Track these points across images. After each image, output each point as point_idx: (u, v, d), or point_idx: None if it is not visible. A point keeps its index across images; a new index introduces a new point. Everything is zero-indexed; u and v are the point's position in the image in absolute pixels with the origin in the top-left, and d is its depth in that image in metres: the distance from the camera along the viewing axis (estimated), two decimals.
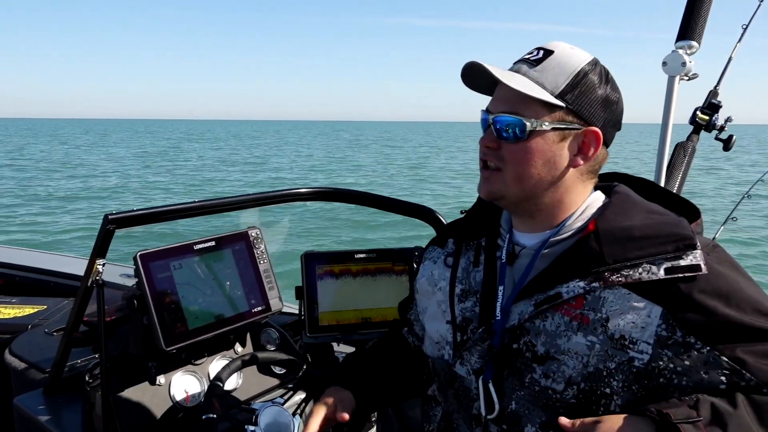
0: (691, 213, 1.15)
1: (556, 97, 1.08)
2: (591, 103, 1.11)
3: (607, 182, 1.27)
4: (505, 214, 1.28)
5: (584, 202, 1.17)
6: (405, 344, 1.50)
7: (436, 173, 28.45)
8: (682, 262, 1.02)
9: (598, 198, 1.19)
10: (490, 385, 1.14)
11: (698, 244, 1.04)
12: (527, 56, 1.14)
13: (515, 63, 1.15)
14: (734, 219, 2.93)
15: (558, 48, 1.12)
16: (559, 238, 1.15)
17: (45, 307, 2.91)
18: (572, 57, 1.11)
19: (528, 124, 1.08)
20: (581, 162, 1.14)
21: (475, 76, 1.15)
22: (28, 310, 2.89)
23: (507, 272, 1.19)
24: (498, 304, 1.16)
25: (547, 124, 1.09)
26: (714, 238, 2.73)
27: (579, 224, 1.15)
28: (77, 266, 3.55)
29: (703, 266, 1.02)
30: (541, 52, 1.13)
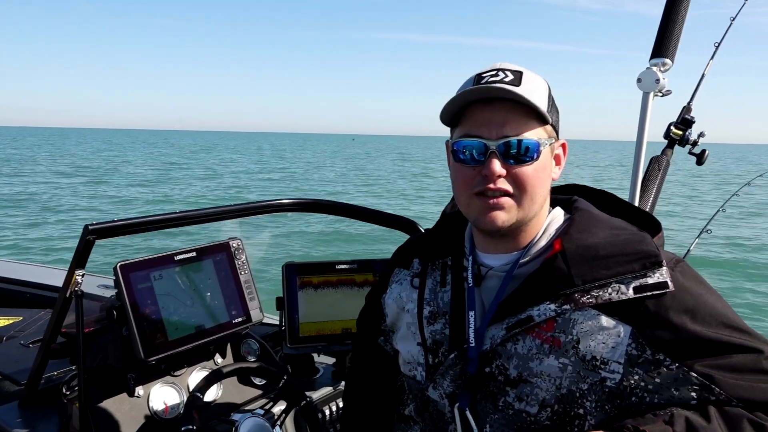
0: (652, 226, 1.15)
1: (547, 113, 1.10)
2: (558, 117, 1.15)
3: (564, 194, 1.28)
4: (467, 233, 1.26)
5: (547, 218, 1.18)
6: (382, 354, 1.45)
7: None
8: (650, 280, 1.03)
9: (559, 214, 1.20)
10: (468, 414, 1.14)
11: (663, 260, 1.05)
12: (497, 77, 1.09)
13: (483, 83, 1.09)
14: (708, 231, 3.00)
15: (519, 68, 1.12)
16: (525, 259, 1.15)
17: (21, 318, 2.87)
18: (537, 76, 1.14)
19: (540, 143, 1.08)
20: (558, 173, 1.18)
21: (452, 105, 1.12)
22: (3, 321, 2.85)
23: (475, 295, 1.17)
24: (470, 329, 1.14)
25: (545, 140, 1.10)
26: (689, 251, 2.79)
27: (543, 243, 1.15)
28: (54, 277, 3.51)
29: (669, 283, 1.02)
30: (509, 73, 1.10)
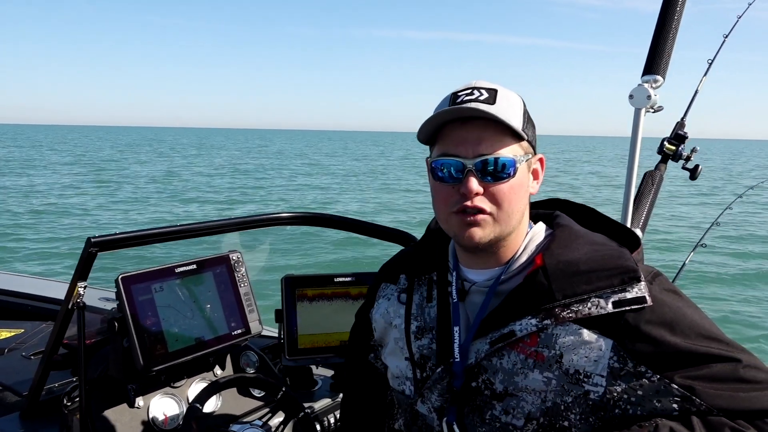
0: (632, 241, 1.18)
1: (522, 131, 1.12)
2: (534, 132, 1.18)
3: (545, 209, 1.30)
4: (450, 249, 1.28)
5: (528, 234, 1.20)
6: (374, 371, 1.48)
7: None
8: (628, 295, 1.06)
9: (540, 230, 1.22)
10: (455, 427, 1.16)
11: (641, 275, 1.07)
12: (471, 96, 1.11)
13: (460, 103, 1.11)
14: (703, 245, 3.02)
15: (494, 86, 1.13)
16: (507, 274, 1.17)
17: (22, 330, 2.89)
18: (512, 93, 1.16)
19: (516, 160, 1.10)
20: (536, 188, 1.20)
21: (429, 125, 1.14)
22: (4, 333, 2.87)
23: (460, 310, 1.20)
24: (455, 344, 1.17)
25: (521, 156, 1.13)
26: (684, 263, 2.81)
27: (525, 258, 1.18)
28: (55, 290, 3.53)
29: (647, 298, 1.05)
30: (484, 91, 1.12)
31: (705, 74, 2.61)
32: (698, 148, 2.32)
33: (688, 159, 2.35)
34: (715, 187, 29.00)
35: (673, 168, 2.42)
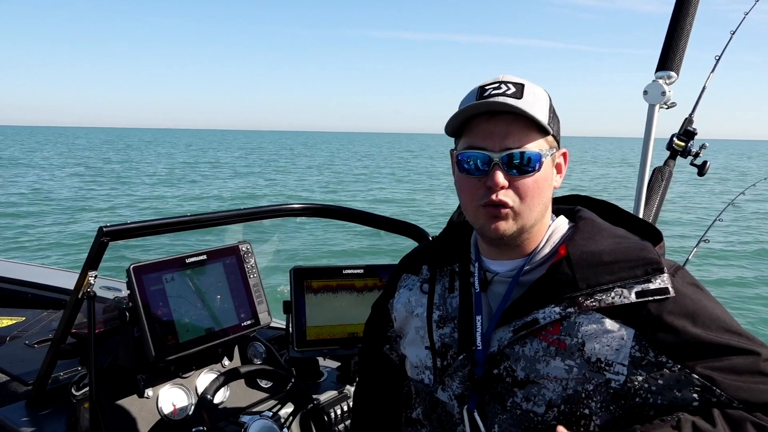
0: (654, 236, 1.19)
1: (548, 125, 1.13)
2: (559, 127, 1.19)
3: (568, 205, 1.32)
4: (473, 240, 1.29)
5: (550, 227, 1.22)
6: (388, 363, 1.49)
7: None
8: (652, 286, 1.07)
9: (563, 223, 1.24)
10: (476, 415, 1.17)
11: (665, 267, 1.09)
12: (499, 90, 1.12)
13: (487, 97, 1.12)
14: (707, 240, 3.04)
15: (521, 80, 1.15)
16: (530, 265, 1.19)
17: (23, 318, 2.87)
18: (539, 87, 1.17)
19: (541, 154, 1.12)
20: (559, 182, 1.21)
21: (457, 118, 1.15)
22: (5, 321, 2.85)
23: (482, 300, 1.21)
24: (478, 333, 1.18)
25: (547, 151, 1.14)
26: (687, 259, 2.82)
27: (548, 249, 1.19)
28: (56, 278, 3.51)
29: (670, 289, 1.07)
30: (511, 86, 1.13)
31: (712, 71, 2.61)
32: (707, 145, 2.33)
33: (696, 155, 2.36)
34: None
35: (680, 164, 2.43)
